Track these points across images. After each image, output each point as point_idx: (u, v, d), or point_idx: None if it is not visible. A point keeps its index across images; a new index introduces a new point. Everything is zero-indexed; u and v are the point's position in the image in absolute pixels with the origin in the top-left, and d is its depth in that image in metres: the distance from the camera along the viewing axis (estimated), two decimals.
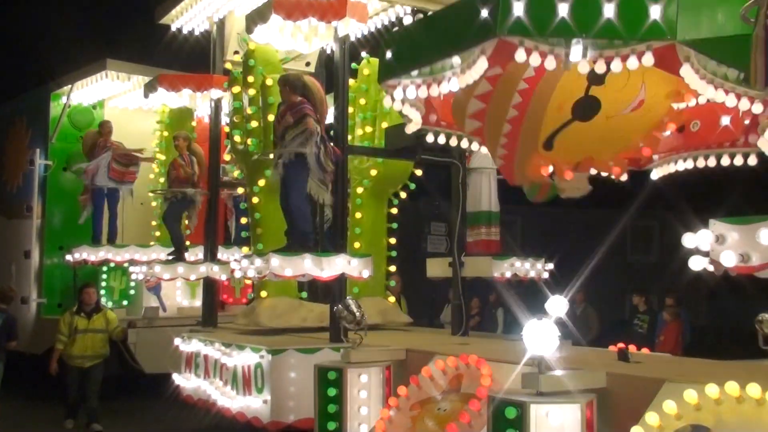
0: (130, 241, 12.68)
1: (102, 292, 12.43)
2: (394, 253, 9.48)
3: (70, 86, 13.11)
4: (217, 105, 10.49)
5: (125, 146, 12.59)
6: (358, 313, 6.56)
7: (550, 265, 8.49)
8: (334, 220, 7.87)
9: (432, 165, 8.78)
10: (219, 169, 10.60)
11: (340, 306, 6.58)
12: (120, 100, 13.81)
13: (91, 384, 10.10)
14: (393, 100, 6.07)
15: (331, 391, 6.18)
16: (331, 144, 7.75)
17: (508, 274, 8.12)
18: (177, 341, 9.24)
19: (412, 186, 9.49)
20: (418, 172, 9.45)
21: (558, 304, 4.86)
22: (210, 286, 10.29)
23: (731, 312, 18.34)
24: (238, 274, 7.84)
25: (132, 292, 12.71)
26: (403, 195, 9.49)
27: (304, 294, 9.79)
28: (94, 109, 13.88)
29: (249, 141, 9.47)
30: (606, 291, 11.01)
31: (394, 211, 9.53)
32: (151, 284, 12.52)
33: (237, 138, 9.68)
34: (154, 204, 13.28)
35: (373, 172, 9.24)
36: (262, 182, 9.40)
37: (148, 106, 13.94)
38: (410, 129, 6.50)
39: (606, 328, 13.48)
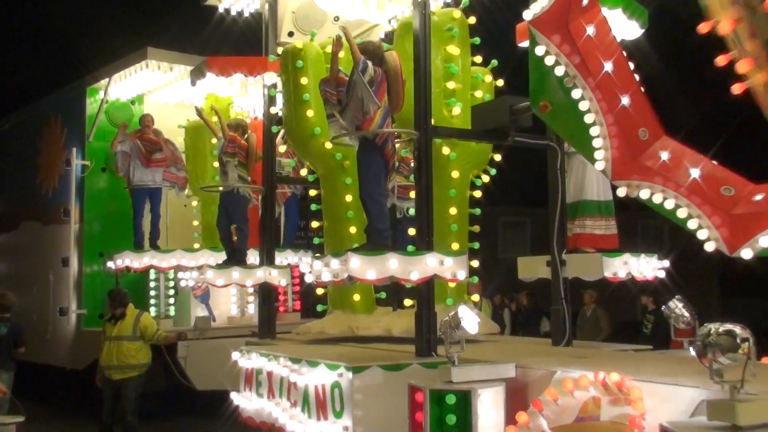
0: (173, 245, 11.72)
1: (152, 301, 11.46)
2: (476, 245, 8.33)
3: (107, 79, 12.17)
4: (269, 93, 9.43)
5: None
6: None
7: (666, 263, 7.31)
8: (418, 212, 6.75)
9: (518, 149, 7.60)
10: (274, 163, 9.54)
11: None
12: (160, 94, 12.86)
13: (124, 401, 9.18)
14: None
15: (451, 419, 5.06)
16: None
17: (622, 274, 6.94)
18: (235, 355, 8.18)
19: (493, 171, 8.29)
20: (497, 157, 8.25)
21: None
22: (267, 292, 9.24)
23: (744, 310, 19.17)
24: (309, 278, 6.74)
25: (178, 300, 11.67)
26: (485, 178, 8.30)
27: (383, 294, 8.68)
28: (132, 104, 12.96)
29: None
30: (620, 292, 10.88)
31: (477, 194, 8.37)
32: (199, 292, 11.55)
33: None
34: (195, 203, 12.28)
35: (446, 151, 8.09)
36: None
37: (191, 100, 13.02)
38: None
39: (618, 329, 13.63)
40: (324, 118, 7.69)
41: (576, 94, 5.23)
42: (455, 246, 7.53)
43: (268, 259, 9.28)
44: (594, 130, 5.19)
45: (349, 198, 8.39)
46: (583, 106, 5.22)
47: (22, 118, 15.10)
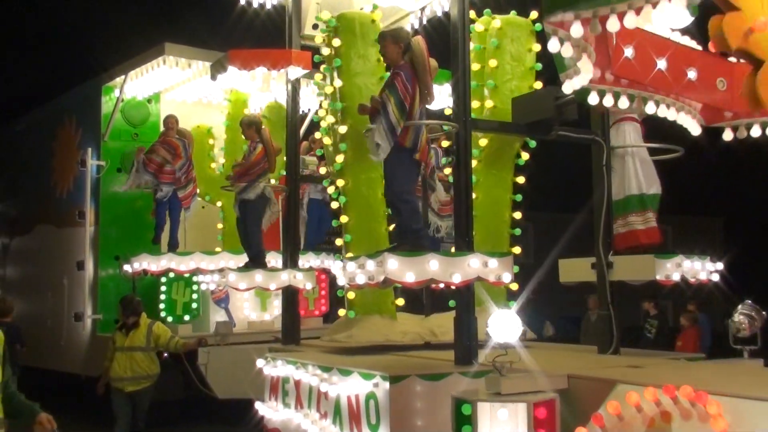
0: (193, 248, 11.31)
1: (162, 306, 11.02)
2: (518, 231, 7.88)
3: (123, 77, 11.77)
4: (294, 87, 9.02)
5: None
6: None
7: (720, 265, 6.85)
8: (457, 209, 6.31)
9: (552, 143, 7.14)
10: (298, 162, 9.12)
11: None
12: (178, 92, 12.46)
13: (138, 412, 8.87)
14: (561, 42, 4.55)
15: None
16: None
17: (675, 277, 6.48)
18: (260, 363, 7.76)
19: (533, 143, 7.76)
20: (526, 156, 7.79)
21: None
22: (291, 296, 8.82)
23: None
24: (342, 281, 6.30)
25: (197, 305, 11.25)
26: (525, 156, 7.80)
27: (401, 301, 8.20)
28: (149, 102, 12.55)
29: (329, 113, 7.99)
30: (623, 296, 10.64)
31: (521, 179, 7.88)
32: (219, 296, 11.14)
33: (322, 113, 8.17)
34: (219, 203, 11.88)
35: (484, 142, 7.66)
36: (340, 158, 7.86)
37: (209, 98, 12.68)
38: (573, 84, 4.92)
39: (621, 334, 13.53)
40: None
41: None
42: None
43: (291, 262, 8.87)
44: None
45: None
46: None
47: (36, 119, 14.75)
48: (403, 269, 5.70)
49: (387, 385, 5.75)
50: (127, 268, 10.98)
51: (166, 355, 9.35)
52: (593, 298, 13.30)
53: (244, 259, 10.43)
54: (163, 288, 11.07)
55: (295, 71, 8.81)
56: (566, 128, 6.74)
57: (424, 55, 6.40)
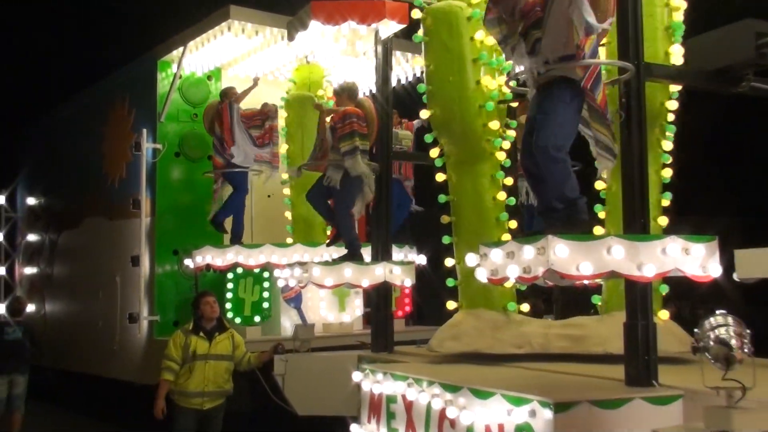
0: (258, 240, 9.99)
1: (228, 305, 9.68)
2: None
3: (182, 49, 10.45)
4: (386, 47, 7.61)
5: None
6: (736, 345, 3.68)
7: None
8: (628, 181, 4.81)
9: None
10: (390, 136, 7.70)
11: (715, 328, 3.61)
12: (241, 67, 11.11)
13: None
14: None
15: None
16: None
17: None
18: (356, 376, 6.34)
19: (671, 129, 6.22)
20: (671, 105, 6.15)
21: None
22: (385, 294, 7.42)
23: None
24: (482, 275, 4.82)
25: (268, 305, 9.87)
26: (666, 145, 6.25)
27: (526, 306, 6.74)
28: (209, 80, 11.23)
29: None
30: None
31: (668, 158, 6.33)
32: (290, 295, 9.75)
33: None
34: (287, 191, 10.51)
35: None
36: (434, 152, 6.78)
37: (276, 74, 11.33)
38: None
39: None
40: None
41: None
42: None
43: (384, 254, 7.46)
44: None
45: (500, 196, 6.72)
46: None
47: (85, 102, 13.52)
48: (575, 257, 4.22)
49: (549, 414, 4.27)
50: (188, 263, 9.70)
51: None
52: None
53: (320, 251, 9.12)
54: (230, 285, 9.71)
55: (389, 27, 7.43)
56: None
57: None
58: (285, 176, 10.18)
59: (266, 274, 9.79)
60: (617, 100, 4.91)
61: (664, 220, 6.11)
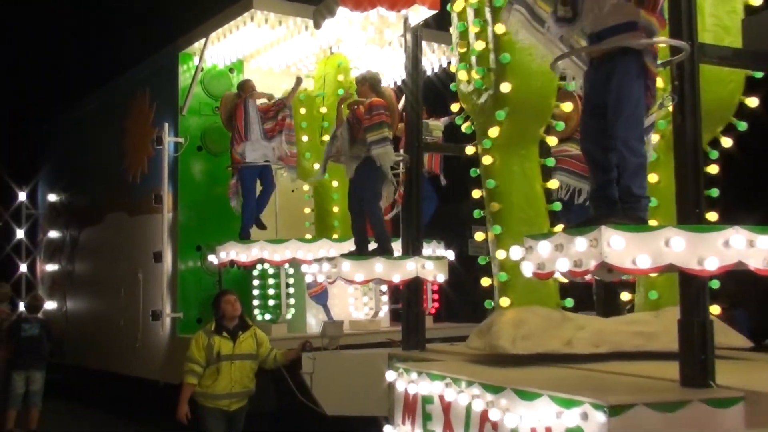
0: (282, 236, 9.77)
1: (255, 303, 9.45)
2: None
3: (203, 41, 10.24)
4: (416, 34, 7.33)
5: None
6: None
7: None
8: (681, 169, 4.49)
9: None
10: (420, 126, 7.43)
11: None
12: (263, 59, 10.90)
13: None
14: None
15: None
16: None
17: None
18: (390, 375, 6.08)
19: (742, 125, 5.91)
20: (752, 102, 5.87)
21: None
22: (416, 290, 7.15)
23: None
24: (528, 269, 4.54)
25: (293, 301, 9.63)
26: (726, 142, 5.97)
27: (569, 301, 6.44)
28: (231, 72, 11.02)
29: (474, 73, 6.35)
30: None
31: (714, 169, 6.05)
32: (316, 291, 9.52)
33: (462, 75, 6.52)
34: (306, 188, 10.29)
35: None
36: (494, 132, 6.19)
37: (299, 66, 11.09)
38: None
39: None
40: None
41: None
42: None
43: (414, 248, 7.20)
44: None
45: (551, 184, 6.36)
46: None
47: (106, 97, 13.35)
48: (632, 250, 3.93)
49: (603, 417, 3.99)
50: (211, 258, 9.49)
51: None
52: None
53: (347, 247, 8.87)
54: (255, 282, 9.49)
55: (419, 14, 7.15)
56: None
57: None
58: (309, 181, 10.04)
59: (291, 270, 9.57)
60: (669, 83, 4.62)
61: (713, 216, 5.80)
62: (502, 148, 6.37)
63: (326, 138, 10.19)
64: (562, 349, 5.76)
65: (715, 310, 5.75)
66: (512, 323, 6.06)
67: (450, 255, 9.85)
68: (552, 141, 6.37)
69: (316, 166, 9.64)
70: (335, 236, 9.65)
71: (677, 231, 3.97)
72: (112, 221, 12.62)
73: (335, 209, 10.04)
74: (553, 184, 6.42)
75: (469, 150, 6.62)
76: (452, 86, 6.83)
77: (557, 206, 6.32)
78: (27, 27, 18.13)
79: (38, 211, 16.00)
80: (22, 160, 16.40)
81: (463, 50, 6.58)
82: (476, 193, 6.51)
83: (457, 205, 11.13)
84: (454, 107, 6.68)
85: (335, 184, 10.01)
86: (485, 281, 6.46)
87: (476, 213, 6.49)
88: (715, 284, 5.85)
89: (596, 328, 5.72)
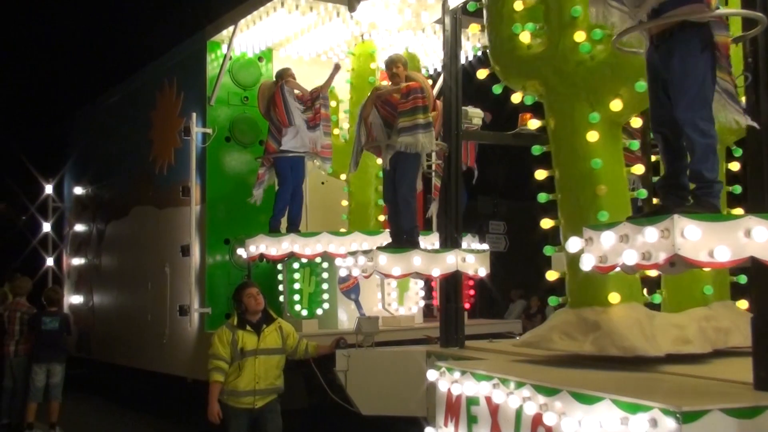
0: (313, 229, 9.48)
1: (289, 298, 9.17)
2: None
3: (232, 28, 9.94)
4: (455, 17, 7.01)
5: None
6: None
7: None
8: (755, 151, 4.17)
9: None
10: (459, 113, 7.10)
11: None
12: (293, 47, 10.59)
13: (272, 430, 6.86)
14: None
15: None
16: None
17: None
18: (431, 375, 5.77)
19: None
20: None
21: None
22: (455, 285, 6.84)
23: None
24: (588, 263, 4.20)
25: (327, 296, 9.33)
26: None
27: (657, 297, 5.99)
28: (260, 60, 10.73)
29: (577, 36, 5.73)
30: None
31: (735, 166, 5.69)
32: (348, 286, 9.22)
33: (525, 37, 6.00)
34: (343, 177, 9.99)
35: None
36: (616, 105, 5.69)
37: (330, 54, 10.78)
38: None
39: None
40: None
41: None
42: None
43: (453, 241, 6.89)
44: None
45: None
46: None
47: (132, 87, 13.11)
48: (708, 241, 3.58)
49: (674, 424, 3.65)
50: (241, 252, 9.21)
51: None
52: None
53: (379, 240, 8.55)
54: (292, 276, 9.20)
55: None
56: None
57: None
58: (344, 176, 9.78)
59: (325, 264, 9.27)
60: (742, 60, 4.26)
61: (739, 212, 5.39)
62: (607, 123, 5.77)
63: (337, 130, 9.99)
64: (683, 349, 5.32)
65: (742, 305, 5.43)
66: (634, 322, 5.50)
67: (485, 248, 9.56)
68: (636, 122, 5.94)
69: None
70: (371, 229, 9.37)
71: (759, 220, 3.62)
72: (139, 214, 12.38)
73: (378, 201, 9.79)
74: (638, 169, 5.94)
75: (533, 124, 6.18)
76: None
77: (642, 194, 5.91)
78: (53, 18, 17.97)
79: (64, 204, 15.82)
80: (48, 152, 16.25)
81: (521, 9, 6.00)
82: (540, 174, 6.00)
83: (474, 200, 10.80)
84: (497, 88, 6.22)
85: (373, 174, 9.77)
86: (551, 275, 5.97)
87: (541, 197, 5.99)
88: (742, 279, 5.57)
89: (691, 326, 5.33)
